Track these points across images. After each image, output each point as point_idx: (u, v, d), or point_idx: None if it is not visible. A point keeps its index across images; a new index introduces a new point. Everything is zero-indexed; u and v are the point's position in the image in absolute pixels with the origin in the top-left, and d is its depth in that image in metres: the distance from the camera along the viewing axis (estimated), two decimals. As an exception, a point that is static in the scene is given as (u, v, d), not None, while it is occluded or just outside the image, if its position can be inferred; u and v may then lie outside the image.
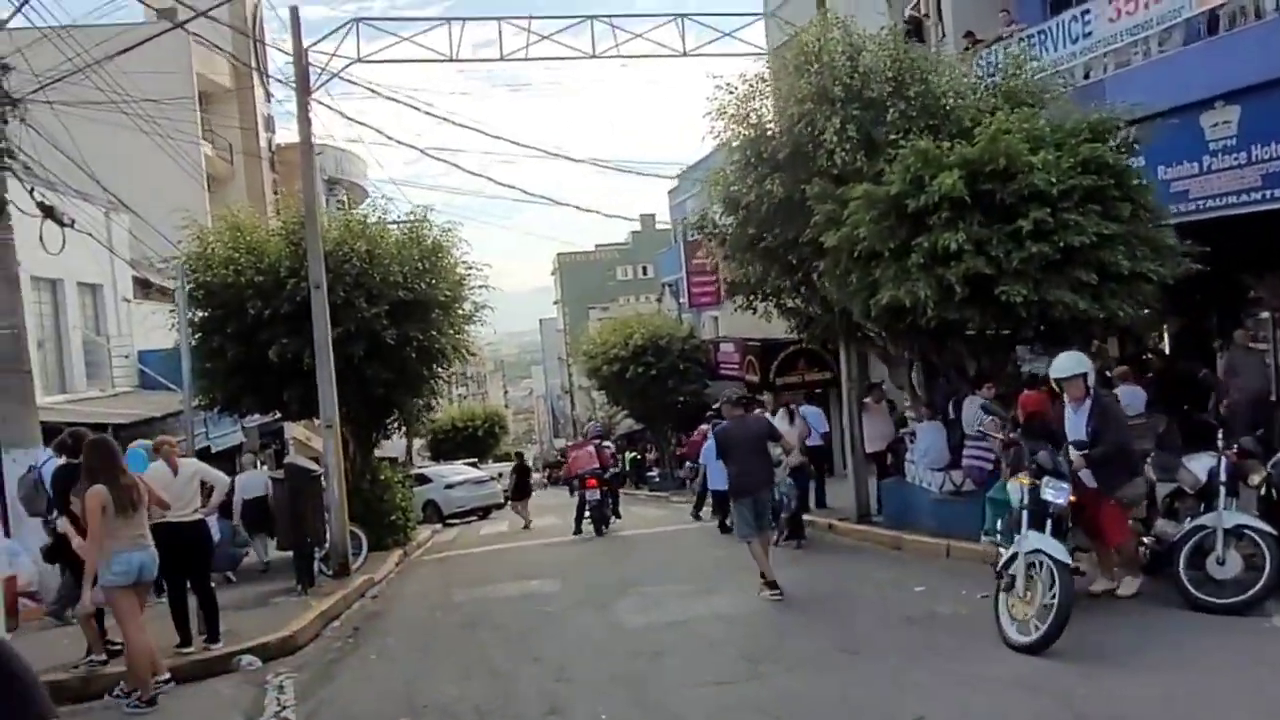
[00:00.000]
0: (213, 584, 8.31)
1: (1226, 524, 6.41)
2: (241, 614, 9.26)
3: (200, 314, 14.24)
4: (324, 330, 12.10)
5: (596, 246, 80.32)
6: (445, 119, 37.17)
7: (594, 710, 5.71)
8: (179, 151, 18.50)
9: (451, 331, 15.01)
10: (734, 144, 11.71)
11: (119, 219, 17.84)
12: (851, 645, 6.57)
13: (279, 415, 16.76)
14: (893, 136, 9.74)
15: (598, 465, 15.70)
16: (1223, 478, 6.51)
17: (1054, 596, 5.60)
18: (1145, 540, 7.14)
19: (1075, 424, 6.75)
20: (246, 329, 13.27)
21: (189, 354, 14.58)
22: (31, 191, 10.51)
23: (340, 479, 12.26)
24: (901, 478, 11.96)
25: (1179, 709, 4.85)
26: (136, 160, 18.29)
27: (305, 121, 12.23)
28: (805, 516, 12.12)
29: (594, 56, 12.85)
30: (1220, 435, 6.81)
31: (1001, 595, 5.97)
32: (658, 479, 30.80)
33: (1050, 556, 5.70)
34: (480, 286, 15.34)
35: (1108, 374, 10.26)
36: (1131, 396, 9.69)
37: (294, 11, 12.18)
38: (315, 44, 12.25)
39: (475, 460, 34.39)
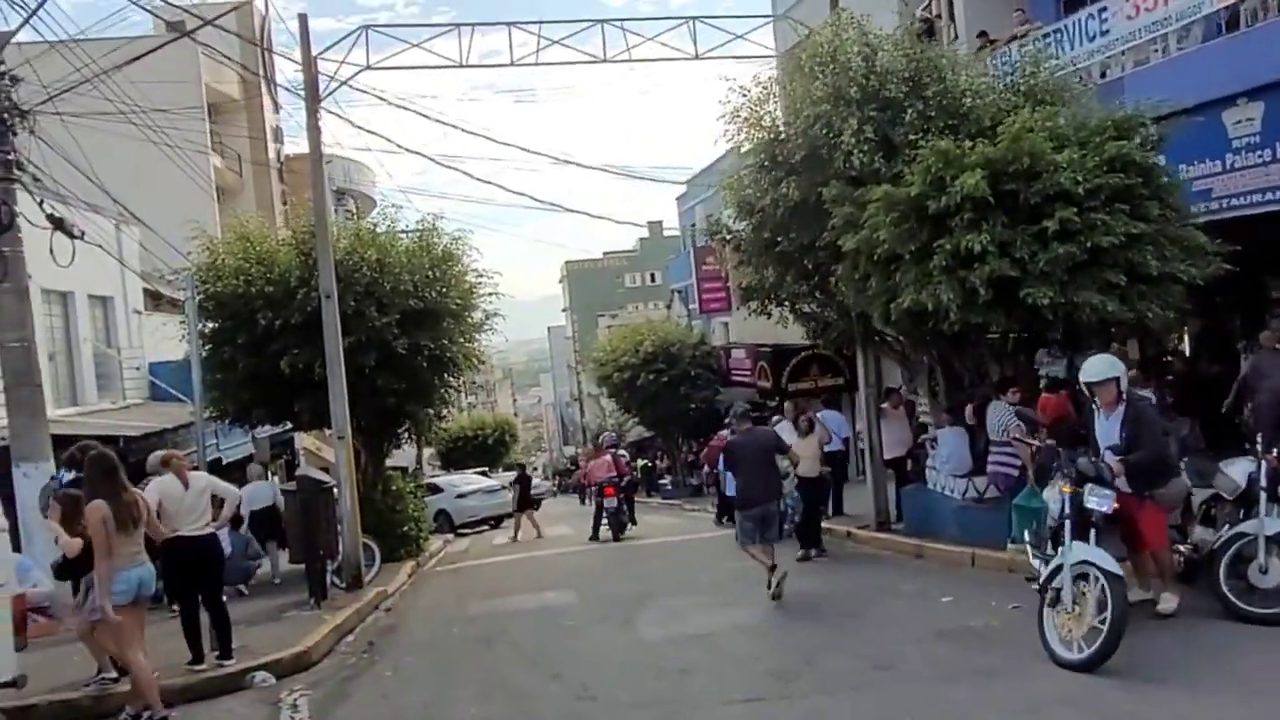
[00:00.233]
0: (225, 598, 8.18)
1: (1268, 531, 6.21)
2: (254, 629, 9.12)
3: (211, 325, 14.15)
4: (335, 340, 11.99)
5: (604, 254, 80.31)
6: (454, 126, 37.14)
7: (621, 732, 5.55)
8: (188, 163, 18.46)
9: (462, 340, 14.90)
10: (748, 147, 11.58)
11: (129, 231, 17.79)
12: (884, 661, 6.37)
13: (290, 426, 16.65)
14: (911, 137, 9.59)
15: (615, 474, 16.48)
16: (1263, 483, 6.30)
17: (1106, 610, 5.36)
18: (1181, 548, 6.93)
19: (1107, 430, 6.53)
20: (257, 340, 13.17)
21: (199, 365, 14.49)
22: (41, 203, 10.41)
23: (352, 490, 12.13)
24: (922, 484, 11.75)
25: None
26: (146, 172, 18.26)
27: (315, 129, 12.13)
28: (822, 524, 11.92)
29: (605, 61, 12.73)
30: (1259, 439, 6.59)
31: (1046, 611, 5.73)
32: (670, 486, 30.62)
33: (1099, 568, 5.47)
34: (490, 294, 15.26)
35: None
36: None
37: (303, 19, 12.10)
38: (324, 52, 12.16)
39: (486, 469, 34.28)
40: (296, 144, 39.04)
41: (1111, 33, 11.49)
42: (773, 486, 9.07)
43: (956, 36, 14.29)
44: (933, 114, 9.97)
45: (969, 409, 11.02)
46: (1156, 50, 10.95)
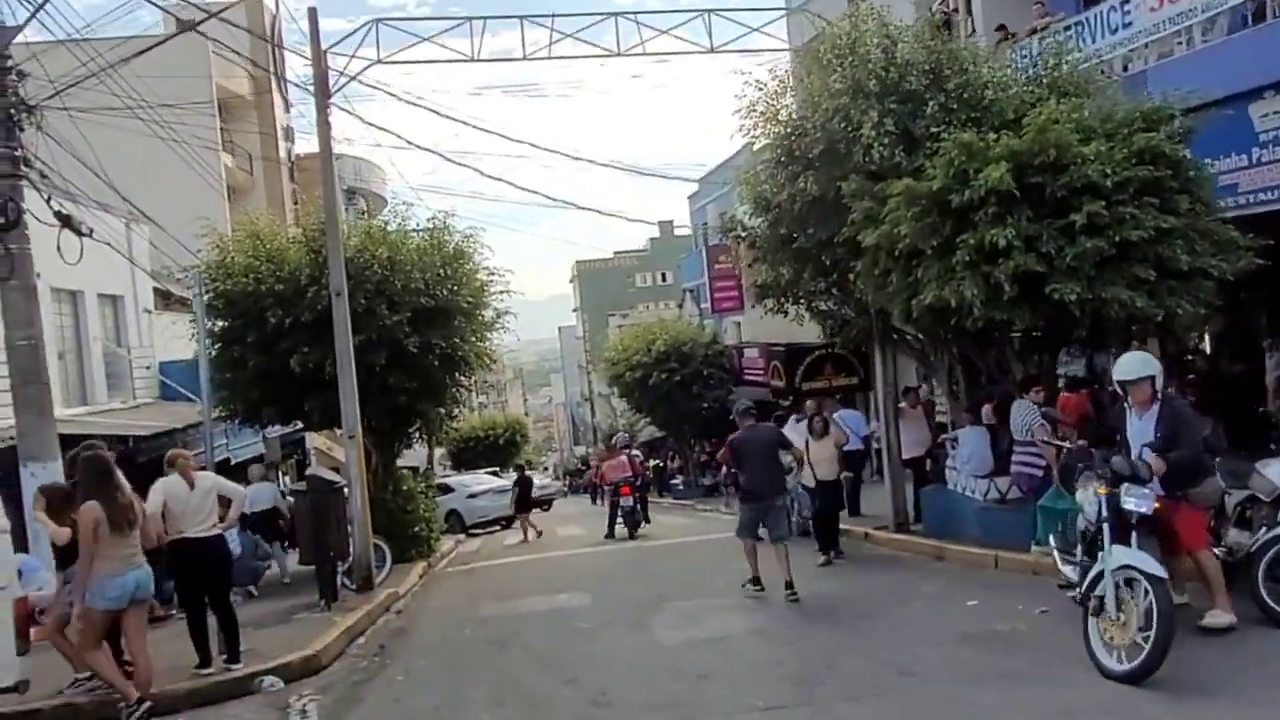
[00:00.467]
0: (236, 599, 8.04)
1: (1310, 533, 5.98)
2: (263, 631, 8.98)
3: (220, 323, 14.04)
4: (345, 338, 11.86)
5: (615, 253, 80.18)
6: (466, 123, 36.96)
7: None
8: (199, 160, 18.38)
9: (474, 338, 14.79)
10: (764, 142, 11.38)
11: (139, 230, 17.73)
12: (906, 665, 6.17)
13: (300, 426, 16.54)
14: (933, 130, 9.38)
15: (631, 474, 17.22)
16: (1302, 483, 6.08)
17: (1151, 617, 5.12)
18: (1216, 551, 6.70)
19: (1140, 429, 6.29)
20: (267, 338, 13.05)
21: (207, 364, 14.39)
22: (49, 200, 10.31)
23: (363, 490, 12.00)
24: (942, 485, 11.53)
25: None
26: (156, 171, 18.23)
27: (324, 124, 12.01)
28: (840, 525, 11.73)
29: (619, 54, 12.57)
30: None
31: (1091, 620, 5.47)
32: (682, 487, 30.45)
33: (1143, 571, 5.23)
34: (502, 292, 15.12)
35: None
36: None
37: (312, 12, 11.98)
38: (334, 46, 12.05)
39: (497, 469, 34.19)
40: (308, 143, 39.05)
41: (1134, 25, 11.25)
42: (776, 481, 9.32)
43: (974, 31, 14.07)
44: (954, 107, 9.76)
45: (988, 408, 10.82)
46: (1180, 43, 10.73)
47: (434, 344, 13.52)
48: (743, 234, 12.81)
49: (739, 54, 13.09)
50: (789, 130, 10.86)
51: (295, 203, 29.73)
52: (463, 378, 15.51)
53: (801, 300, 12.47)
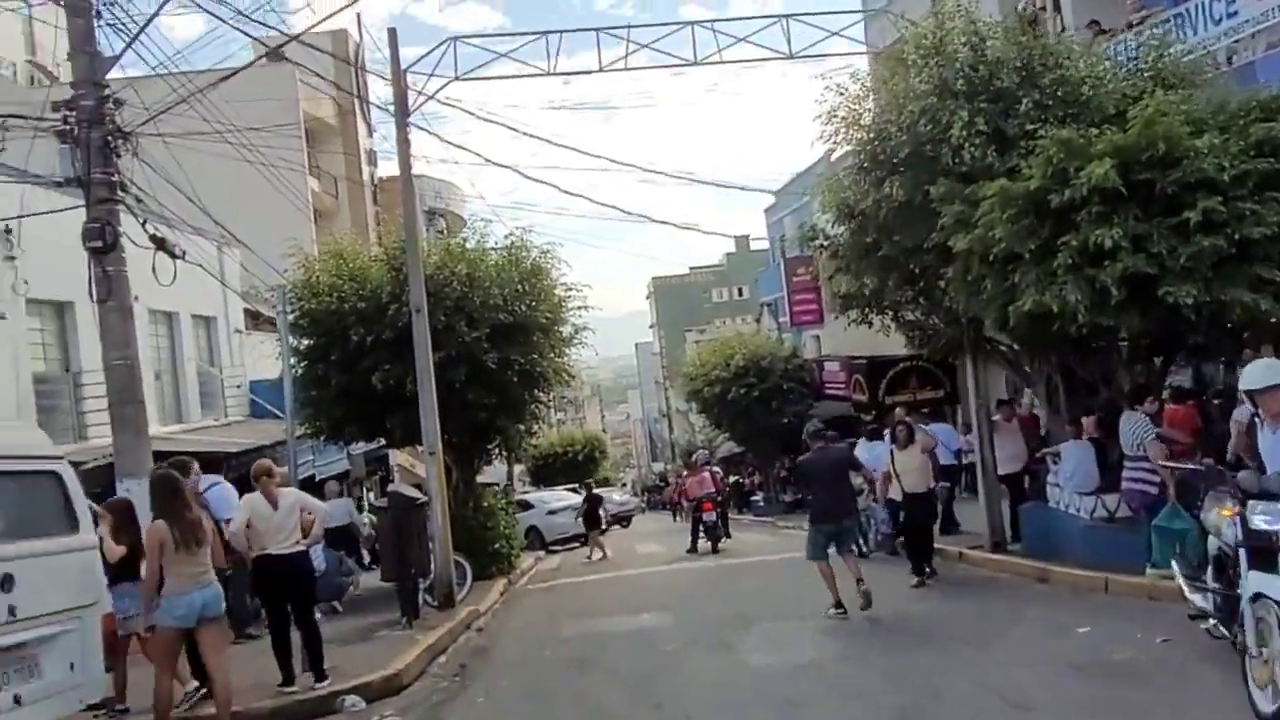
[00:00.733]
0: (319, 615, 8.03)
1: None
2: (345, 649, 8.96)
3: (305, 342, 14.29)
4: (425, 355, 11.91)
5: (691, 269, 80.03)
6: (545, 140, 37.52)
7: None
8: (286, 185, 18.88)
9: (552, 355, 14.74)
10: (846, 148, 11.04)
11: (230, 252, 18.27)
12: (1019, 699, 5.71)
13: (383, 442, 16.73)
14: (1028, 128, 8.94)
15: (713, 489, 17.79)
16: None
17: None
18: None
19: (1274, 444, 5.74)
20: (349, 356, 13.22)
21: (290, 382, 14.65)
22: (144, 224, 10.61)
23: (444, 507, 11.99)
24: (1042, 502, 10.92)
25: None
26: (245, 195, 18.75)
27: (404, 142, 12.14)
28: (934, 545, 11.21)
29: (695, 63, 12.37)
30: None
31: (1248, 659, 4.92)
32: (762, 503, 29.94)
33: (1275, 600, 4.71)
34: (579, 308, 15.06)
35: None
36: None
37: (392, 33, 12.14)
38: (413, 65, 12.16)
39: (576, 485, 34.21)
40: (390, 166, 39.89)
41: (1240, 14, 10.62)
42: (846, 503, 9.32)
43: (1064, 28, 13.49)
44: (1049, 104, 9.28)
45: (1090, 420, 10.22)
46: (1293, 30, 10.05)
47: (512, 360, 13.51)
48: (824, 243, 12.44)
49: (817, 59, 12.70)
50: (872, 135, 10.50)
51: (378, 224, 30.37)
52: (541, 393, 15.48)
53: (887, 310, 12.03)
